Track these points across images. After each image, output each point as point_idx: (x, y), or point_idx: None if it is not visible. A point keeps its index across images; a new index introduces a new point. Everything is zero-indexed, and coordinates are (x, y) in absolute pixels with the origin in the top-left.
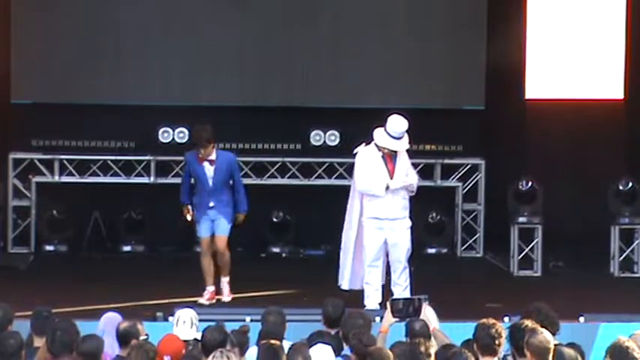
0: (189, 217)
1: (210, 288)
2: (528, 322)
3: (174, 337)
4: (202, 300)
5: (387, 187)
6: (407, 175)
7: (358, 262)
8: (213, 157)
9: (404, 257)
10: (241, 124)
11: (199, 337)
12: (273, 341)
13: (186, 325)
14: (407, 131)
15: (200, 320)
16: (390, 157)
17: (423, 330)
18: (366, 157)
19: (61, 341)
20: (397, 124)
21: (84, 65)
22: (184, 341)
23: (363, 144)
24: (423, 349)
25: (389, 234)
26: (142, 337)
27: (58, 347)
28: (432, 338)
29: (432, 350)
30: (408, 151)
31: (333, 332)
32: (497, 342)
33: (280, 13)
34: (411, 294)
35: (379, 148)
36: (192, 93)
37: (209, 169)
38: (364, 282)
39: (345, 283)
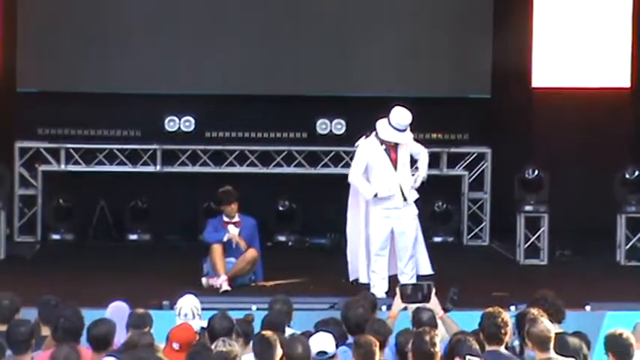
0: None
1: (224, 277)
2: (533, 311)
3: (188, 327)
4: (214, 282)
5: (376, 195)
6: (414, 155)
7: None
8: (237, 218)
9: (411, 245)
10: (247, 112)
11: (204, 325)
12: (267, 332)
13: (188, 317)
14: (410, 123)
15: (206, 309)
16: (392, 148)
17: (430, 321)
18: (367, 151)
19: (65, 328)
20: (401, 116)
21: (90, 54)
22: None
23: (364, 136)
24: (428, 338)
25: (395, 222)
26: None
27: (61, 335)
28: (440, 325)
29: (437, 339)
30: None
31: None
32: (503, 331)
33: (286, 1)
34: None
35: (381, 140)
36: (198, 82)
37: (234, 231)
38: (370, 270)
39: (363, 276)
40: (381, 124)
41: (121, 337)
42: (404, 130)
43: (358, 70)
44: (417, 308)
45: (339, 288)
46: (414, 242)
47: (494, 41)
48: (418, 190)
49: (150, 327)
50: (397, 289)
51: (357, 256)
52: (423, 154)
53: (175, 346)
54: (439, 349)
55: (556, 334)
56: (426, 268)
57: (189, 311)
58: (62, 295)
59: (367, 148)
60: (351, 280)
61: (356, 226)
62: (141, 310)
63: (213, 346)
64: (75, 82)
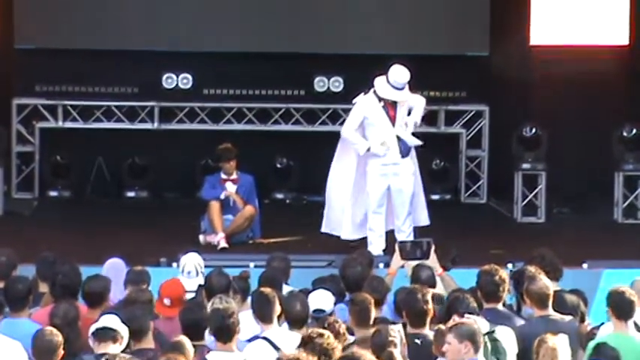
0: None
1: (221, 234)
2: (530, 269)
3: (176, 281)
4: (212, 239)
5: (369, 150)
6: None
7: (357, 210)
8: (235, 176)
9: (408, 203)
10: (245, 70)
11: (202, 282)
12: (265, 289)
13: (191, 274)
14: (408, 81)
15: (205, 266)
16: (391, 105)
17: (429, 279)
18: (365, 108)
19: (63, 285)
20: (400, 74)
21: (88, 10)
22: (190, 291)
23: (362, 93)
24: (420, 295)
25: (392, 180)
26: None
27: (59, 291)
28: (439, 283)
29: (429, 296)
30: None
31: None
32: (501, 288)
33: None
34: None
35: (379, 97)
36: (196, 39)
37: (232, 188)
38: (368, 228)
39: (346, 233)
40: (379, 82)
41: (117, 293)
42: (402, 89)
43: (356, 27)
44: (416, 265)
45: (337, 246)
46: (412, 198)
47: None
48: (417, 147)
49: (147, 284)
50: (396, 246)
51: (339, 210)
52: (419, 103)
53: (166, 302)
54: (432, 307)
55: (554, 291)
56: (424, 219)
57: (192, 268)
58: (60, 252)
59: (365, 105)
60: (322, 231)
61: (341, 180)
62: (139, 267)
63: (210, 304)
64: (73, 38)
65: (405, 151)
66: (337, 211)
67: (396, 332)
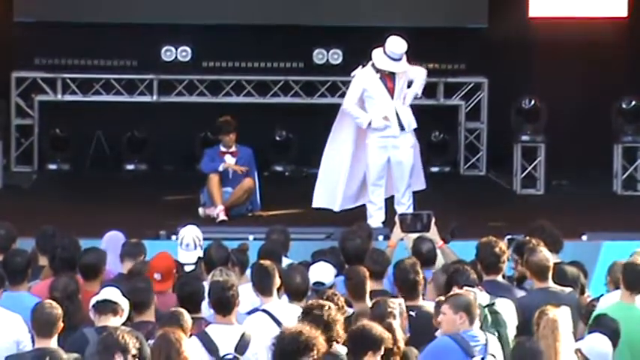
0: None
1: (220, 207)
2: (530, 241)
3: (166, 256)
4: (211, 212)
5: (370, 124)
6: (412, 82)
7: (352, 182)
8: (234, 148)
9: (407, 175)
10: (244, 42)
11: (201, 255)
12: (265, 261)
13: (189, 247)
14: (406, 52)
15: (204, 239)
16: (389, 77)
17: (429, 251)
18: (364, 80)
19: (62, 258)
20: (396, 45)
21: None
22: (188, 264)
23: (360, 66)
24: (409, 266)
25: (392, 152)
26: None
27: (58, 264)
28: (440, 254)
29: (419, 267)
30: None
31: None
32: (501, 259)
33: None
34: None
35: (377, 69)
36: (195, 11)
37: (231, 161)
38: (368, 201)
39: (336, 204)
40: (377, 54)
41: (116, 266)
42: (399, 60)
43: None
44: (417, 238)
45: (336, 218)
46: (411, 171)
47: None
48: (416, 119)
49: (144, 256)
50: (396, 219)
51: (333, 183)
52: (420, 74)
53: (157, 276)
54: (422, 276)
55: (554, 263)
56: (420, 184)
57: (190, 241)
58: (59, 225)
59: (363, 78)
60: (314, 206)
61: (338, 153)
62: (134, 240)
63: (210, 276)
64: (72, 11)
65: (403, 125)
66: (331, 185)
67: (396, 305)
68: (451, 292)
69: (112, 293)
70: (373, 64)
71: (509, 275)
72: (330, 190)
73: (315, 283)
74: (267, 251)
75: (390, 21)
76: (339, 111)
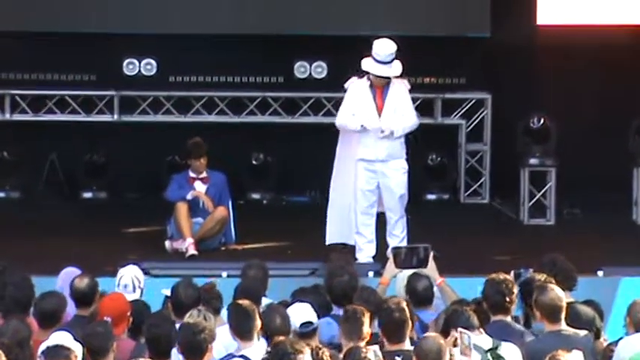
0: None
1: (190, 240)
2: (540, 277)
3: (118, 297)
4: (179, 245)
5: (362, 126)
6: (401, 114)
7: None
8: (205, 174)
9: (399, 204)
10: (216, 54)
11: (168, 294)
12: (244, 301)
13: (127, 288)
14: (398, 58)
15: (170, 276)
16: (380, 90)
17: (426, 290)
18: (354, 90)
19: (13, 297)
20: (381, 45)
21: None
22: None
23: (356, 77)
24: (393, 305)
25: (381, 178)
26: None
27: (9, 304)
28: (438, 293)
29: (404, 304)
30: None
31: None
32: (508, 299)
33: None
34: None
35: (370, 80)
36: (161, 20)
37: (201, 188)
38: (355, 232)
39: (352, 237)
40: (365, 61)
41: (73, 307)
42: (387, 63)
43: (342, 5)
44: (412, 274)
45: (321, 252)
46: (403, 199)
47: None
48: (410, 140)
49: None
50: (389, 253)
51: (344, 215)
52: (410, 118)
53: (107, 319)
54: (411, 316)
55: (566, 303)
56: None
57: (129, 282)
58: (8, 260)
59: (354, 88)
60: (328, 243)
61: (344, 180)
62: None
63: (187, 317)
64: (22, 20)
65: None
66: (343, 218)
67: (371, 352)
68: (451, 337)
69: (63, 338)
70: (368, 76)
71: (516, 316)
72: (342, 224)
73: (303, 325)
74: (244, 290)
75: (380, 29)
76: (340, 135)
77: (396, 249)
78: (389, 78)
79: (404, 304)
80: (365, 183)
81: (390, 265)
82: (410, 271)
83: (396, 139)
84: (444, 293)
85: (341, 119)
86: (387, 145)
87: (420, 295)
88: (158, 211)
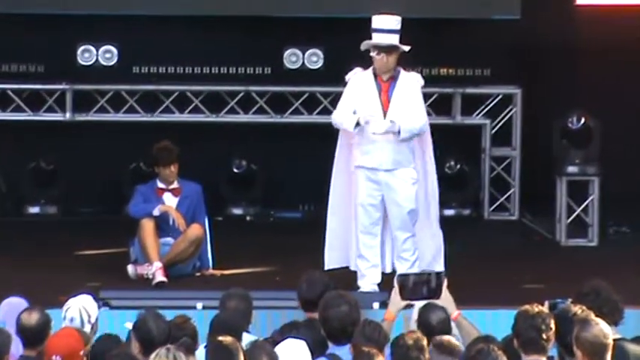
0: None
1: (157, 264)
2: (579, 309)
3: (69, 332)
4: (145, 270)
5: (358, 124)
6: (409, 111)
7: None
8: (176, 185)
9: (409, 221)
10: (190, 40)
11: (130, 327)
12: (225, 338)
13: (74, 322)
14: (408, 43)
15: (133, 307)
16: (387, 85)
17: (441, 324)
18: (356, 83)
19: None
20: (382, 18)
21: None
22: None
23: (360, 68)
24: (411, 341)
25: (386, 191)
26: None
27: None
28: (455, 328)
29: (424, 342)
30: (423, 85)
31: (313, 316)
32: (544, 336)
33: None
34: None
35: (374, 71)
36: None
37: (172, 202)
38: (357, 255)
39: (352, 261)
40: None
41: (18, 345)
42: (386, 32)
43: None
44: (424, 306)
45: None
46: (413, 215)
47: None
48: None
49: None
50: (395, 281)
51: (346, 237)
52: (417, 118)
53: (56, 359)
54: (427, 356)
55: (613, 340)
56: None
57: (76, 314)
58: None
59: (357, 80)
60: (327, 268)
61: (345, 194)
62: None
63: (154, 356)
64: None
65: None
66: (343, 240)
67: None
68: None
69: None
70: (373, 68)
71: (551, 356)
72: (342, 246)
73: None
74: (222, 324)
75: (388, 10)
76: (338, 138)
77: (402, 276)
78: (390, 48)
79: (424, 342)
80: (366, 196)
81: (396, 296)
82: (422, 302)
83: (402, 142)
84: (462, 328)
85: (338, 117)
86: (392, 151)
87: (434, 331)
88: (119, 230)
